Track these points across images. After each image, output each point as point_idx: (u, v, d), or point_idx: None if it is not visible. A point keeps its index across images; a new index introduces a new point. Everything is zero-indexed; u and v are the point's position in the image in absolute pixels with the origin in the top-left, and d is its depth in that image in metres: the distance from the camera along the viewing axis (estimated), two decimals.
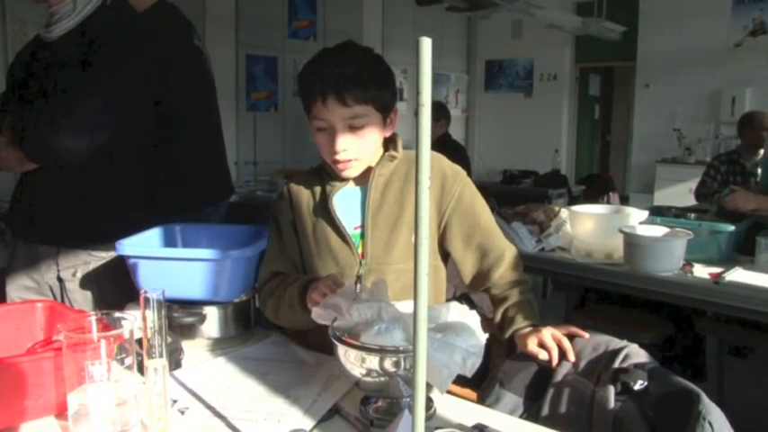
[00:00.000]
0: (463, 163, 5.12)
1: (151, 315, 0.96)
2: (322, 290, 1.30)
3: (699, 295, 2.17)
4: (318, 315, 1.20)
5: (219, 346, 1.46)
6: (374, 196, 1.50)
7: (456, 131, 8.99)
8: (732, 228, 2.35)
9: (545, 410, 1.25)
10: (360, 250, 1.49)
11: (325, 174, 1.54)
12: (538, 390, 1.29)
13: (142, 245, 1.54)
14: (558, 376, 1.28)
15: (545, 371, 1.31)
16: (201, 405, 1.16)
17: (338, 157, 1.43)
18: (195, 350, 1.43)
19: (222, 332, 1.48)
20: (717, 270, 2.23)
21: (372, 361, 1.04)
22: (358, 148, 1.44)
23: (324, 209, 1.52)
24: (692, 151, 7.43)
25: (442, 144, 4.96)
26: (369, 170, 1.51)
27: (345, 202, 1.52)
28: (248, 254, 1.46)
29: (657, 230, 2.34)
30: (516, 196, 4.78)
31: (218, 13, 6.33)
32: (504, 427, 1.07)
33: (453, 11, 5.91)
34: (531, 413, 1.26)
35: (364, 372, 1.06)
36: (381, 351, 1.03)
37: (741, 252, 2.46)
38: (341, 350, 1.08)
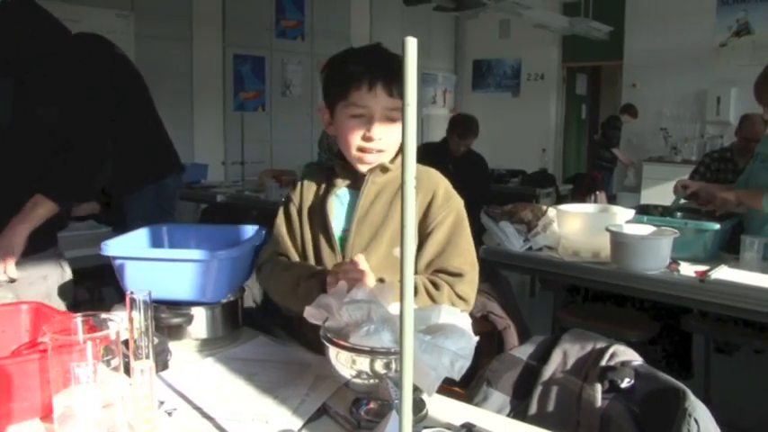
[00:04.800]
0: (484, 174, 4.99)
1: (138, 316, 0.95)
2: (351, 275, 1.29)
3: (685, 293, 2.18)
4: (310, 314, 1.19)
5: (207, 346, 1.46)
6: (363, 203, 1.49)
7: (443, 130, 9.01)
8: (717, 226, 2.37)
9: (533, 409, 1.26)
10: (341, 253, 1.49)
11: (332, 171, 1.55)
12: (526, 388, 1.30)
13: (128, 246, 1.53)
14: (546, 375, 1.29)
15: (533, 369, 1.31)
16: (189, 406, 1.16)
17: (372, 144, 1.43)
18: (182, 351, 1.43)
19: (210, 333, 1.47)
20: (703, 268, 2.25)
21: (363, 363, 1.03)
22: (389, 140, 1.44)
23: (321, 207, 1.53)
24: (678, 150, 7.49)
25: (468, 157, 4.76)
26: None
27: (342, 204, 1.53)
28: (235, 254, 1.46)
29: (644, 229, 2.35)
30: (504, 195, 4.79)
31: (205, 13, 6.31)
32: (492, 425, 1.07)
33: (441, 11, 5.92)
34: (518, 412, 1.27)
35: (354, 373, 1.05)
36: (372, 353, 1.03)
37: (726, 250, 2.49)
38: (332, 351, 1.07)
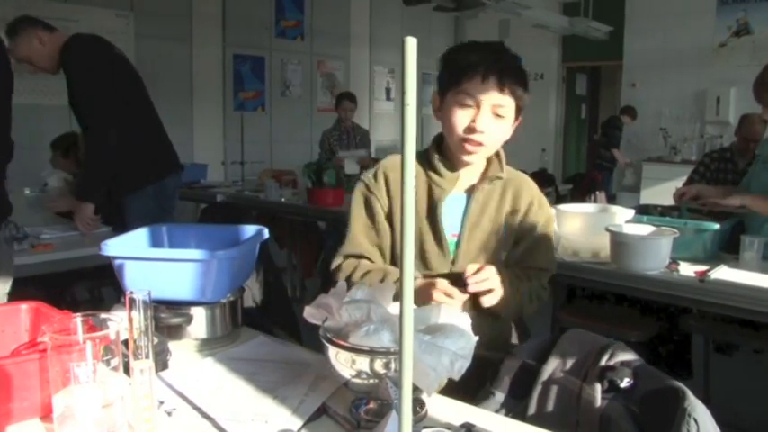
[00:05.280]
0: None
1: (137, 316, 0.95)
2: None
3: (685, 293, 2.18)
4: (310, 314, 1.19)
5: (207, 346, 1.46)
6: (474, 209, 1.54)
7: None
8: (717, 226, 2.37)
9: (532, 409, 1.25)
10: (452, 257, 1.54)
11: (429, 168, 1.55)
12: (525, 388, 1.29)
13: (128, 246, 1.53)
14: (545, 374, 1.29)
15: (532, 369, 1.31)
16: (189, 406, 1.16)
17: (475, 136, 1.46)
18: (182, 351, 1.43)
19: (209, 332, 1.47)
20: (702, 268, 2.25)
21: (362, 362, 1.03)
22: (492, 134, 1.48)
23: (431, 213, 1.54)
24: (677, 150, 7.48)
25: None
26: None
27: (448, 208, 1.55)
28: (235, 254, 1.45)
29: (644, 229, 2.35)
30: None
31: (204, 13, 6.31)
32: (491, 425, 1.08)
33: (441, 10, 5.91)
34: (518, 411, 1.27)
35: (354, 373, 1.05)
36: (371, 353, 1.03)
37: (726, 250, 2.48)
38: (331, 351, 1.07)
